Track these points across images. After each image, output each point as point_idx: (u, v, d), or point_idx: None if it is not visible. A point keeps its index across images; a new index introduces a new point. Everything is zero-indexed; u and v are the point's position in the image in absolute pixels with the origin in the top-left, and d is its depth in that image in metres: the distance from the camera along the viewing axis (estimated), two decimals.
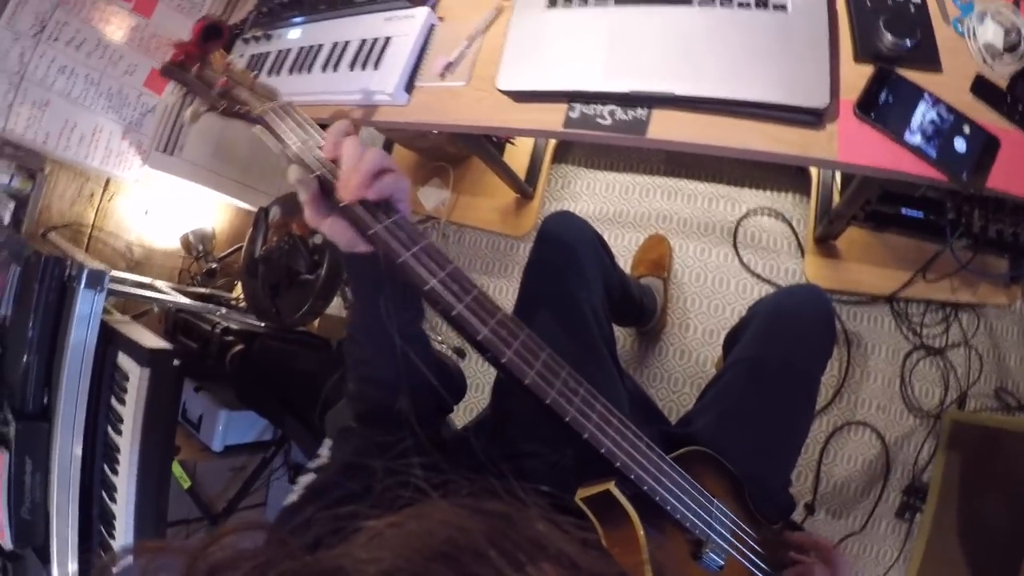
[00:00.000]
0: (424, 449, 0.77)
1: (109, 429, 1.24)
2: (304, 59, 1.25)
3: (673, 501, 0.65)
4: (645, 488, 0.63)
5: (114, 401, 1.23)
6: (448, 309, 0.60)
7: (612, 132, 0.90)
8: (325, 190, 0.64)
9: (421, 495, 0.36)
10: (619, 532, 0.62)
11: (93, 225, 1.74)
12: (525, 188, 1.83)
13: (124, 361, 1.23)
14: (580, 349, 0.86)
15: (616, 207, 1.85)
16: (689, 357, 1.72)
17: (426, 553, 0.28)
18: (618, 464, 0.62)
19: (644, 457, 0.64)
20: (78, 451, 1.17)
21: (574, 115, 0.92)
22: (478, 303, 0.61)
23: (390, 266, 0.62)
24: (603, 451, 0.62)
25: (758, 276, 1.70)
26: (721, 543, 0.69)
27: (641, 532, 0.61)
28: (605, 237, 1.02)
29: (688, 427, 0.93)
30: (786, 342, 0.94)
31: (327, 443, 0.73)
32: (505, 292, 1.91)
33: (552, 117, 0.94)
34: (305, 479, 0.66)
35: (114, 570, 0.33)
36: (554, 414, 0.61)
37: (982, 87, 0.84)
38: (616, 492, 0.63)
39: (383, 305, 0.68)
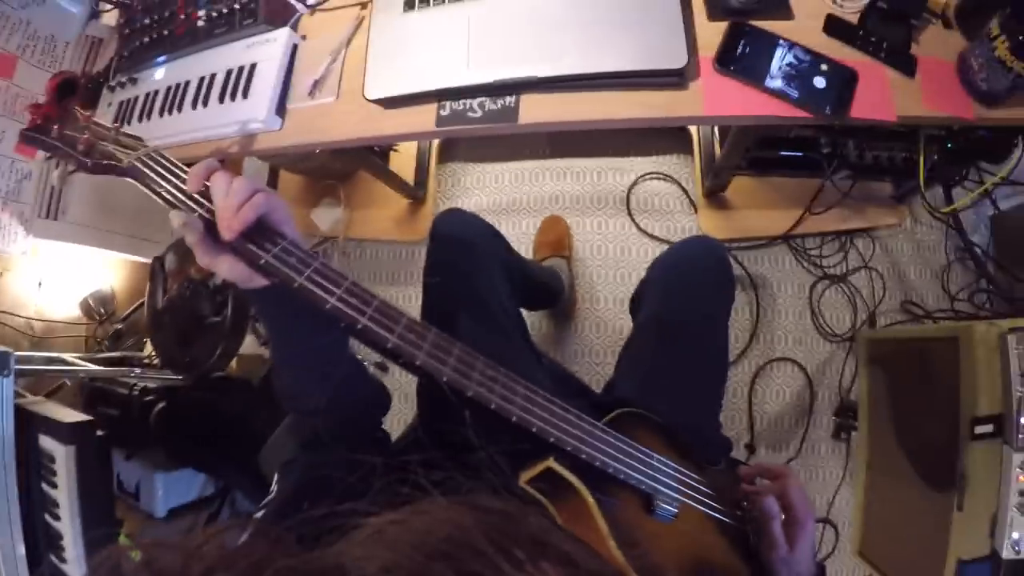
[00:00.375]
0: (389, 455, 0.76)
1: (47, 517, 1.18)
2: (173, 98, 1.20)
3: (613, 463, 0.66)
4: (583, 456, 0.64)
5: (46, 487, 1.18)
6: (353, 323, 0.59)
7: (484, 123, 0.91)
8: (210, 229, 0.62)
9: (421, 492, 0.36)
10: (570, 506, 0.63)
11: None
12: (416, 192, 1.83)
13: (46, 442, 1.18)
14: (491, 341, 0.87)
15: (509, 196, 1.87)
16: (605, 328, 1.75)
17: (425, 550, 0.27)
18: (552, 440, 0.63)
19: (575, 428, 0.65)
20: (21, 551, 1.11)
21: (445, 113, 0.93)
22: (381, 312, 0.61)
23: (289, 292, 0.61)
24: (534, 430, 0.62)
25: (656, 238, 1.75)
26: (670, 492, 0.71)
27: (590, 499, 0.62)
28: (502, 226, 1.03)
29: (612, 394, 0.95)
30: (685, 292, 0.97)
31: (274, 487, 0.71)
32: (414, 299, 1.89)
33: (424, 118, 0.94)
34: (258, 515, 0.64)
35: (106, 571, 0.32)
36: (479, 405, 0.61)
37: (834, 25, 0.89)
38: (556, 466, 0.63)
39: (297, 333, 0.67)
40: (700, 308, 0.96)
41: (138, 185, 0.69)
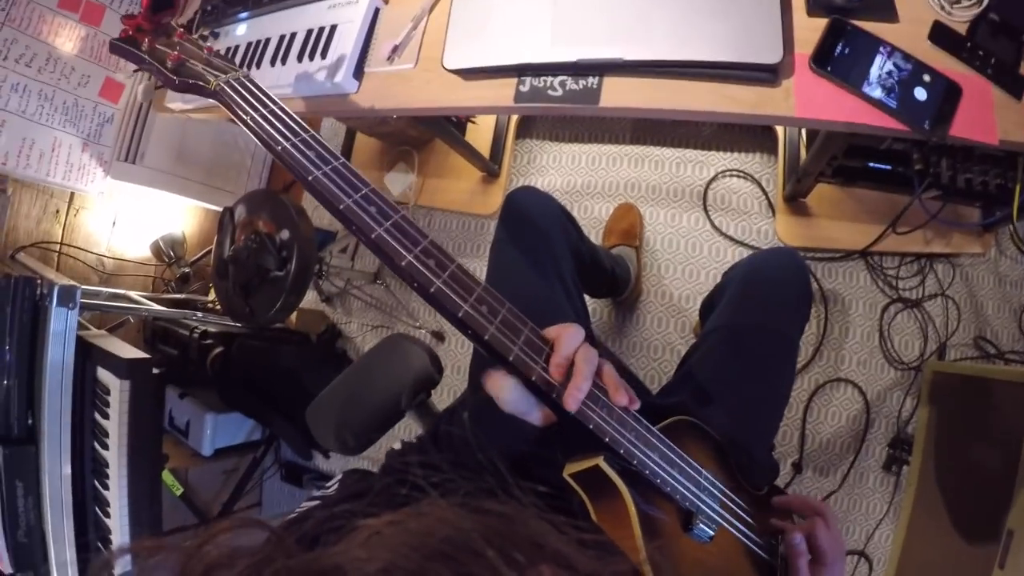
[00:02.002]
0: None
1: (96, 445, 1.23)
2: (253, 54, 1.23)
3: (662, 474, 0.64)
4: (635, 463, 0.62)
5: (98, 416, 1.23)
6: (427, 285, 0.57)
7: (564, 103, 0.89)
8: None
9: (420, 494, 0.36)
10: (609, 507, 0.61)
11: (61, 242, 1.72)
12: (490, 166, 1.82)
13: (104, 375, 1.23)
14: (553, 324, 0.85)
15: (584, 178, 1.84)
16: (667, 324, 1.71)
17: (424, 552, 0.28)
18: (607, 439, 0.60)
19: (631, 431, 0.63)
20: (67, 470, 1.18)
21: (524, 89, 0.91)
22: (455, 279, 0.59)
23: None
24: (591, 426, 0.60)
25: (730, 238, 1.69)
26: (711, 514, 0.69)
27: (632, 507, 0.60)
28: (574, 209, 1.01)
29: (670, 397, 0.92)
30: (762, 307, 0.93)
31: (336, 477, 0.71)
32: (479, 272, 1.84)
33: (503, 93, 0.93)
34: (308, 503, 0.64)
35: (113, 570, 0.33)
36: (538, 390, 0.59)
37: (940, 34, 0.83)
38: (605, 467, 0.61)
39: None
40: (776, 325, 0.91)
41: (222, 107, 0.68)
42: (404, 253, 0.58)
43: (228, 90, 0.68)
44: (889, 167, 1.32)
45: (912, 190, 1.23)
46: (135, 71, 0.75)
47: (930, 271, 1.57)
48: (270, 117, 0.65)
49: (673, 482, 0.65)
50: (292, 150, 0.62)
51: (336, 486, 0.67)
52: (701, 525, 0.66)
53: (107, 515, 1.22)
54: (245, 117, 0.65)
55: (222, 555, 0.29)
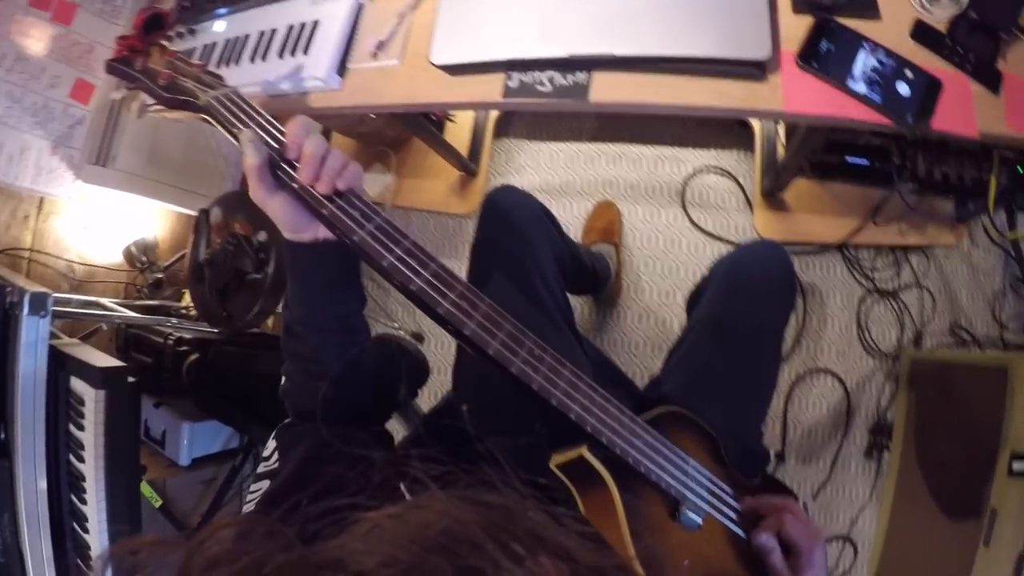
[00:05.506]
0: (384, 441, 0.75)
1: (71, 457, 1.19)
2: (231, 51, 1.20)
3: (646, 462, 0.65)
4: (617, 451, 0.63)
5: (72, 428, 1.19)
6: (407, 283, 0.59)
7: (553, 99, 0.89)
8: (274, 166, 0.63)
9: (420, 486, 0.36)
10: (595, 497, 0.62)
11: (31, 248, 1.66)
12: (469, 165, 1.81)
13: (78, 385, 1.19)
14: (536, 320, 0.85)
15: (562, 177, 1.84)
16: (648, 320, 1.73)
17: (424, 545, 0.28)
18: (589, 429, 0.61)
19: (615, 420, 0.64)
20: (43, 485, 1.13)
21: (513, 84, 0.90)
22: (437, 277, 0.60)
23: (329, 252, 0.62)
24: (572, 416, 0.61)
25: (709, 234, 1.71)
26: (698, 502, 0.69)
27: (616, 495, 0.61)
28: (553, 208, 1.01)
29: (658, 390, 0.93)
30: (747, 299, 0.94)
31: (271, 444, 0.70)
32: (458, 273, 1.86)
33: (490, 88, 0.92)
34: (258, 486, 0.63)
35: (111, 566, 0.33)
36: (520, 384, 0.60)
37: (922, 32, 0.86)
38: (589, 456, 0.62)
39: (323, 294, 0.67)
40: (761, 316, 0.93)
41: (212, 123, 0.70)
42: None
43: (217, 105, 0.69)
44: (867, 162, 1.35)
45: (889, 184, 1.26)
46: (128, 88, 0.78)
47: (905, 263, 1.61)
48: (257, 129, 0.66)
49: (658, 470, 0.66)
50: (277, 157, 0.63)
51: (275, 456, 0.67)
52: (689, 513, 0.67)
53: (86, 530, 1.18)
54: (234, 130, 0.67)
55: (224, 551, 0.29)
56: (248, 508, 0.59)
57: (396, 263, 0.59)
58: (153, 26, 0.80)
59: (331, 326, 0.69)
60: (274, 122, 0.66)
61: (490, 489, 0.34)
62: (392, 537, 0.29)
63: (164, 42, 0.79)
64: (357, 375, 0.72)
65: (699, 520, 0.68)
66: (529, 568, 0.28)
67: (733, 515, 0.74)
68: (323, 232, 0.64)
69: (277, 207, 0.63)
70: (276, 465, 0.66)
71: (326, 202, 0.61)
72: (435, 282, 0.60)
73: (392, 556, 0.27)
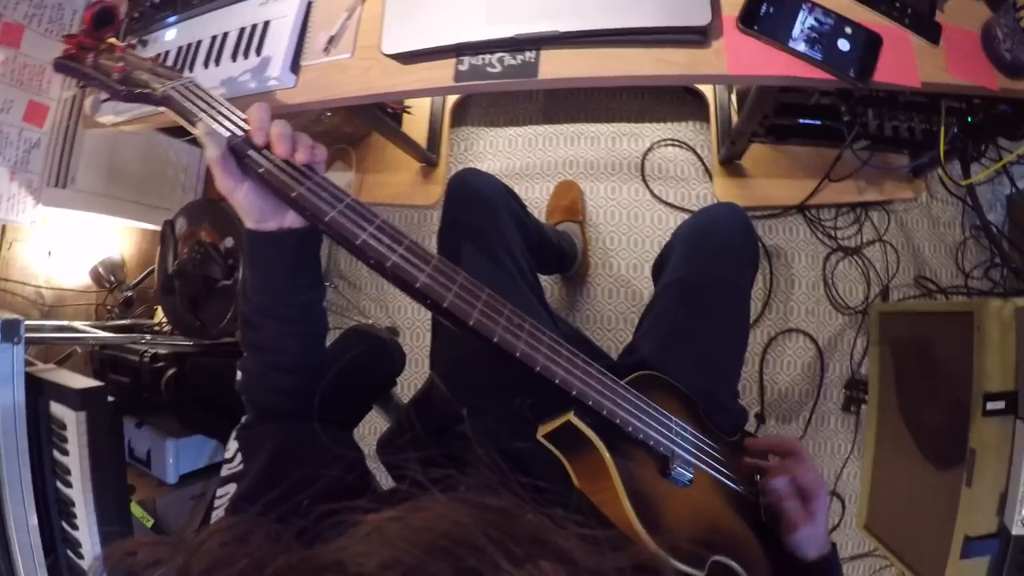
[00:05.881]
0: (348, 441, 0.75)
1: (58, 484, 1.18)
2: (184, 59, 1.19)
3: (634, 422, 0.65)
4: (604, 412, 0.63)
5: (56, 454, 1.18)
6: (382, 260, 0.58)
7: (503, 79, 0.90)
8: (240, 154, 0.62)
9: (420, 489, 0.36)
10: (586, 462, 0.62)
11: None
12: (428, 156, 1.82)
13: (57, 409, 1.17)
14: (510, 296, 0.85)
15: (522, 160, 1.85)
16: (617, 294, 1.75)
17: (424, 547, 0.28)
18: (574, 392, 0.61)
19: (598, 382, 0.64)
20: (33, 520, 1.12)
21: (463, 68, 0.91)
22: (412, 252, 0.60)
23: (291, 241, 0.61)
24: (557, 381, 0.61)
25: (671, 205, 1.73)
26: (687, 456, 0.70)
27: (607, 455, 0.61)
28: (516, 190, 1.02)
29: (632, 357, 0.94)
30: (709, 257, 0.96)
31: (231, 446, 0.69)
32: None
33: (442, 73, 0.93)
34: (225, 490, 0.63)
35: (108, 568, 0.33)
36: (502, 353, 0.60)
37: None
38: (577, 421, 0.62)
39: (286, 282, 0.66)
40: (724, 274, 0.94)
41: (172, 114, 0.69)
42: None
43: (175, 95, 0.68)
44: (819, 122, 1.38)
45: (842, 141, 1.29)
46: (80, 86, 0.76)
47: (866, 219, 1.65)
48: (218, 117, 0.65)
49: (645, 428, 0.66)
50: (243, 144, 0.62)
51: (238, 458, 0.66)
52: (679, 469, 0.68)
53: (80, 556, 1.17)
54: (199, 115, 0.66)
55: (223, 553, 0.29)
56: (218, 513, 0.58)
57: (369, 240, 0.59)
58: (103, 22, 0.79)
59: (293, 315, 0.68)
60: (235, 110, 0.66)
61: (490, 492, 0.34)
62: (392, 539, 0.29)
63: (114, 38, 0.78)
64: (333, 364, 0.72)
65: (689, 475, 0.69)
66: (529, 571, 0.28)
67: (722, 468, 0.75)
68: (289, 220, 0.64)
69: (243, 196, 0.62)
70: (240, 468, 0.65)
71: (297, 184, 0.60)
72: (410, 256, 0.59)
73: (392, 558, 0.27)
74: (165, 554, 0.30)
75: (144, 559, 0.30)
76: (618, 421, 0.64)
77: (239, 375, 0.72)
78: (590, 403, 0.62)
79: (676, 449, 0.69)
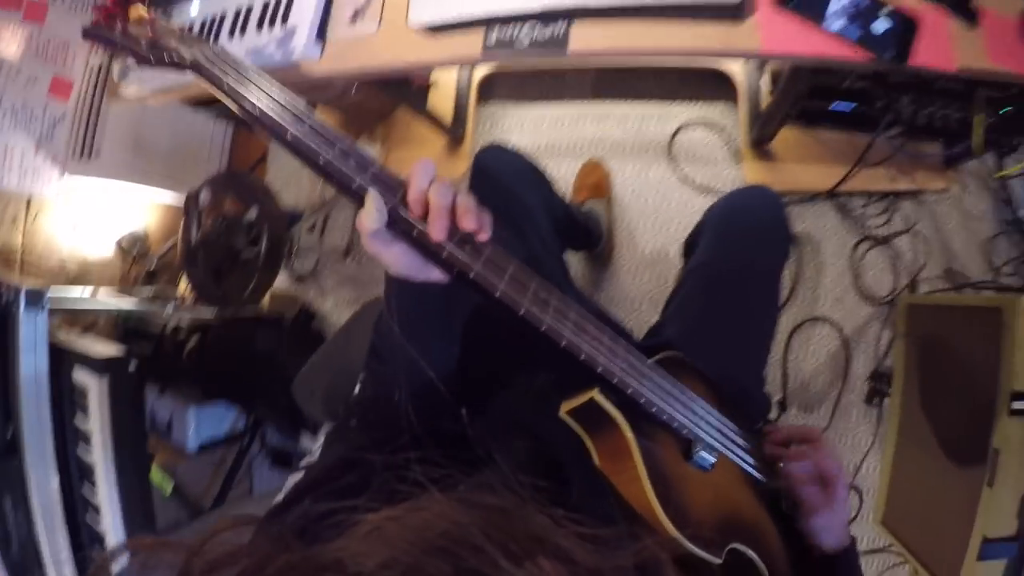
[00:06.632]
0: (422, 443, 0.74)
1: (80, 450, 1.20)
2: (209, 30, 1.19)
3: (659, 402, 0.64)
4: (629, 391, 0.62)
5: (78, 419, 1.20)
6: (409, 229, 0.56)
7: (532, 51, 0.88)
8: (393, 219, 0.57)
9: (419, 489, 0.36)
10: (608, 441, 0.62)
11: (22, 249, 1.67)
12: (454, 132, 1.80)
13: (80, 375, 1.20)
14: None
15: (549, 139, 1.83)
16: (641, 275, 1.73)
17: (423, 547, 0.28)
18: (599, 369, 0.60)
19: (624, 360, 0.62)
20: (55, 483, 1.15)
21: (491, 40, 0.90)
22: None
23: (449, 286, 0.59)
24: (583, 357, 0.59)
25: (698, 187, 1.71)
26: (711, 440, 0.69)
27: (630, 435, 0.60)
28: (542, 168, 1.00)
29: (658, 337, 0.93)
30: (740, 243, 0.94)
31: (319, 441, 0.70)
32: None
33: (469, 46, 0.92)
34: (294, 478, 0.63)
35: (112, 568, 0.33)
36: (528, 326, 0.58)
37: None
38: (600, 398, 0.60)
39: (435, 337, 0.63)
40: (755, 260, 0.93)
41: (201, 81, 0.68)
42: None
43: (204, 62, 0.68)
44: (852, 107, 1.34)
45: (875, 129, 1.26)
46: (110, 56, 0.78)
47: (896, 208, 1.60)
48: (247, 81, 0.64)
49: (670, 410, 0.65)
50: (269, 112, 0.62)
51: (319, 451, 0.66)
52: (702, 453, 0.67)
53: (99, 520, 1.19)
54: (223, 86, 0.65)
55: (224, 552, 0.30)
56: (279, 498, 0.58)
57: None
58: None
59: (418, 367, 0.62)
60: (267, 78, 0.64)
61: (490, 491, 0.34)
62: (392, 539, 0.29)
63: (142, 7, 0.79)
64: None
65: (712, 459, 0.67)
66: (528, 570, 0.28)
67: (745, 454, 0.74)
68: (436, 273, 0.60)
69: (395, 257, 0.58)
70: (315, 460, 0.65)
71: (446, 245, 0.56)
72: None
73: (392, 558, 0.27)
74: (167, 553, 0.30)
75: (148, 558, 0.31)
76: (643, 401, 0.63)
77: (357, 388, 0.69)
78: (615, 381, 0.61)
79: (700, 432, 0.68)
